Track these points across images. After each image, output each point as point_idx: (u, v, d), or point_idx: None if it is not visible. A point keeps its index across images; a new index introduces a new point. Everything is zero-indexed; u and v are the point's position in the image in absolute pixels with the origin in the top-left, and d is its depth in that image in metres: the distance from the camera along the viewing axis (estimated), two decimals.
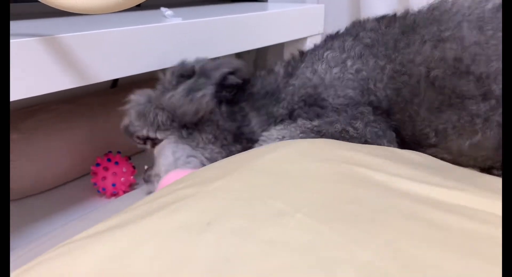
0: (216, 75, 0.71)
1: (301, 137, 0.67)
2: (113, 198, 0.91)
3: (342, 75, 0.69)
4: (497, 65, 0.57)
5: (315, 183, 0.49)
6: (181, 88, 0.71)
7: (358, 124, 0.66)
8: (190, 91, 0.70)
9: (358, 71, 0.69)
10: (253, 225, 0.40)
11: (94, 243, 0.41)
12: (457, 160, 0.69)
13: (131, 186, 0.94)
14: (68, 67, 0.64)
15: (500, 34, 0.58)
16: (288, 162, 0.54)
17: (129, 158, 0.95)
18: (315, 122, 0.70)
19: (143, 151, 0.93)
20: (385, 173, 0.51)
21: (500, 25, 0.58)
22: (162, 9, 0.84)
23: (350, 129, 0.66)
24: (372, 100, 0.70)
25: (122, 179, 0.91)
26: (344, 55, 0.70)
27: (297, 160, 0.55)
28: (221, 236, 0.38)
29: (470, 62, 0.59)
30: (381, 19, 0.71)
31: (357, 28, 0.73)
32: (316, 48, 0.79)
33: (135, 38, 0.73)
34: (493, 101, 0.59)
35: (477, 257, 0.37)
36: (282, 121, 0.75)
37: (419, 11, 0.67)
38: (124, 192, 0.92)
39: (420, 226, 0.41)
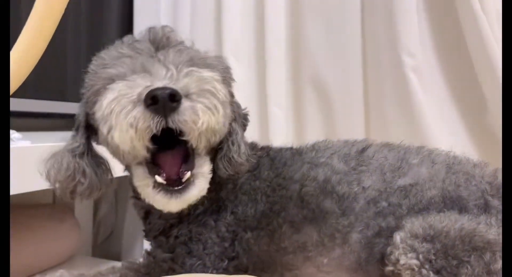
0: None
1: None
2: None
3: (245, 181, 0.72)
4: (356, 188, 0.68)
5: None
6: None
7: (190, 261, 0.68)
8: None
9: (256, 179, 0.72)
10: None
11: None
12: None
13: None
14: None
15: (360, 167, 0.70)
16: None
17: None
18: (143, 262, 0.70)
19: None
20: None
21: (359, 162, 0.71)
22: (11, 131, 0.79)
23: (177, 267, 0.68)
24: (247, 215, 0.70)
25: None
26: (255, 163, 0.73)
27: None
28: None
29: (335, 184, 0.69)
30: (283, 147, 0.80)
31: (268, 147, 0.79)
32: (252, 146, 0.78)
33: None
34: (352, 217, 0.67)
35: None
36: None
37: (308, 144, 0.79)
38: None
39: None
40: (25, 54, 0.71)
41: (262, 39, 1.25)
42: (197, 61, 0.62)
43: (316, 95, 1.22)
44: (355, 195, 0.68)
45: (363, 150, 0.73)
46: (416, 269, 0.59)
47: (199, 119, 0.56)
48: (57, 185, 0.63)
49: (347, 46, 1.17)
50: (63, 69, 1.28)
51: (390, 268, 0.62)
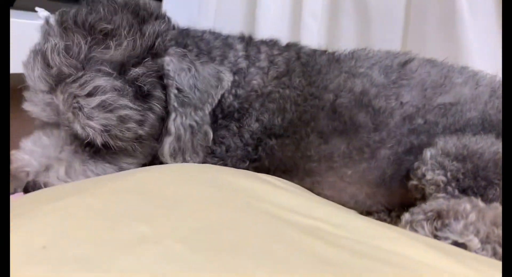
0: None
1: None
2: None
3: (273, 89, 0.69)
4: (393, 103, 0.65)
5: (195, 207, 0.43)
6: None
7: (212, 161, 0.68)
8: None
9: (285, 87, 0.69)
10: (103, 251, 0.32)
11: None
12: (338, 198, 0.68)
13: None
14: None
15: (400, 81, 0.67)
16: (165, 183, 0.47)
17: None
18: None
19: None
20: (271, 202, 0.46)
21: (400, 75, 0.68)
22: (37, 9, 0.75)
23: None
24: (274, 124, 0.68)
25: None
26: (284, 69, 0.71)
27: (176, 182, 0.48)
28: (56, 265, 0.30)
29: (373, 97, 0.66)
30: (316, 50, 0.75)
31: (297, 48, 0.75)
32: (272, 44, 0.76)
33: None
34: (383, 133, 0.65)
35: None
36: None
37: (345, 51, 0.74)
38: None
39: (303, 257, 0.36)
40: None
41: None
42: (86, 109, 0.57)
43: (355, 8, 1.14)
44: (391, 110, 0.65)
45: (406, 63, 0.69)
46: (442, 185, 0.58)
47: None
48: None
49: None
50: None
51: (414, 182, 0.62)
